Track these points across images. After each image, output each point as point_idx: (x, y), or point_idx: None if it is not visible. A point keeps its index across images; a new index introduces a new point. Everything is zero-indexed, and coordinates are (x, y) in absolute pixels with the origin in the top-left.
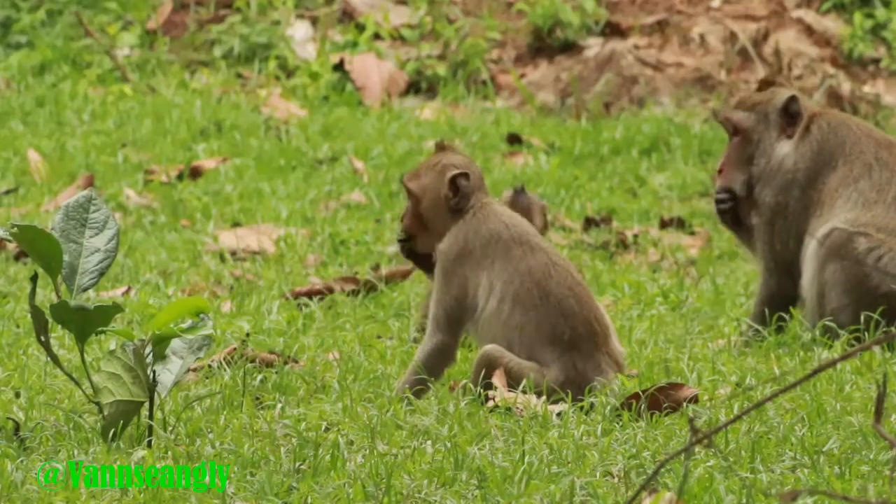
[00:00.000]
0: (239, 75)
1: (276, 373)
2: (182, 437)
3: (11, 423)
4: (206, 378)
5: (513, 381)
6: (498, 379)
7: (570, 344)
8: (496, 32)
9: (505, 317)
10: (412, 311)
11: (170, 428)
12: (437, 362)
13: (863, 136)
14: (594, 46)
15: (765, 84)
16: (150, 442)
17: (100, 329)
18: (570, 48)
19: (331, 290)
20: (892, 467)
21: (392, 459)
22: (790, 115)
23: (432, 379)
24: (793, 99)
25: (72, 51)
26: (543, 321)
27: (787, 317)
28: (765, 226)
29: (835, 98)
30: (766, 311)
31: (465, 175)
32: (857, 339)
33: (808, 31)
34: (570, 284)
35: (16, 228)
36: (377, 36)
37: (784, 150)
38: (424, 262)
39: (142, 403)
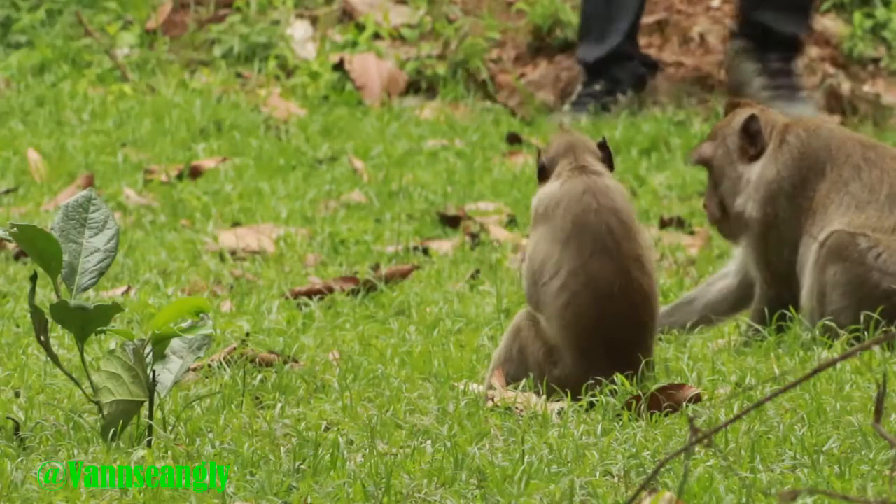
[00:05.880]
0: (239, 75)
1: (276, 372)
2: (182, 437)
3: (11, 422)
4: (206, 378)
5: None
6: (497, 378)
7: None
8: (496, 32)
9: None
10: (412, 310)
11: (170, 428)
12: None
13: (847, 140)
14: None
15: (730, 107)
16: (149, 442)
17: (100, 329)
18: (570, 48)
19: (331, 290)
20: (892, 467)
21: (392, 459)
22: (751, 135)
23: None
24: (752, 118)
25: (72, 50)
26: None
27: (788, 313)
28: (756, 241)
29: (835, 98)
30: (767, 313)
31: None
32: (857, 339)
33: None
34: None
35: (15, 228)
36: (377, 35)
37: (754, 170)
38: None
39: (141, 403)
